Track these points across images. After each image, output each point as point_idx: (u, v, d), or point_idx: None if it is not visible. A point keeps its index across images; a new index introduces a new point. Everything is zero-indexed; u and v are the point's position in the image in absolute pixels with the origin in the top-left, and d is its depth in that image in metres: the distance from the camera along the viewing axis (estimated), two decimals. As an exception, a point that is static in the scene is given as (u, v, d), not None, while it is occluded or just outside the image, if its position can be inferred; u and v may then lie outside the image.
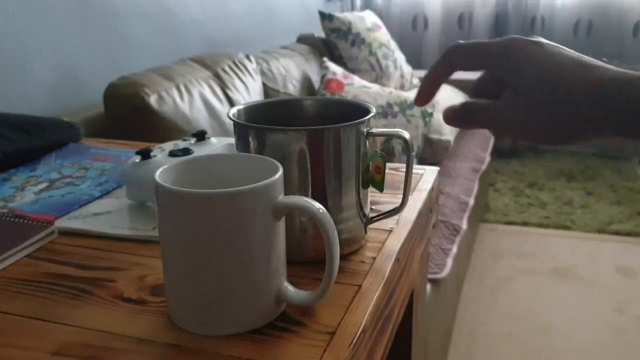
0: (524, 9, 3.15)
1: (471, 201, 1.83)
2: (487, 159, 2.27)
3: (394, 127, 1.11)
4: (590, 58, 0.41)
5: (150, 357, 0.40)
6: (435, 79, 0.46)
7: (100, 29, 1.47)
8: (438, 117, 2.05)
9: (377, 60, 2.45)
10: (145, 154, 0.63)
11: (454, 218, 1.68)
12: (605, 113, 0.39)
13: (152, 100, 1.31)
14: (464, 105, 0.45)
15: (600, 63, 0.40)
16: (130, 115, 1.30)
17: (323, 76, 2.14)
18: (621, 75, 0.39)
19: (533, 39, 0.42)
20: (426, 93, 0.46)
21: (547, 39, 0.43)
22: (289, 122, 0.52)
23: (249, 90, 1.71)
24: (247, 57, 1.81)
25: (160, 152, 0.64)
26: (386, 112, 2.00)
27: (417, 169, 0.77)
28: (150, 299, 0.47)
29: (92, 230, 0.59)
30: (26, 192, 0.69)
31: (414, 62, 2.93)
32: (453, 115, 0.46)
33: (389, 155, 1.92)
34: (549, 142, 0.42)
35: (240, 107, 0.54)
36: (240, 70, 1.72)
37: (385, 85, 2.40)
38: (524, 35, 0.44)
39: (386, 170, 0.55)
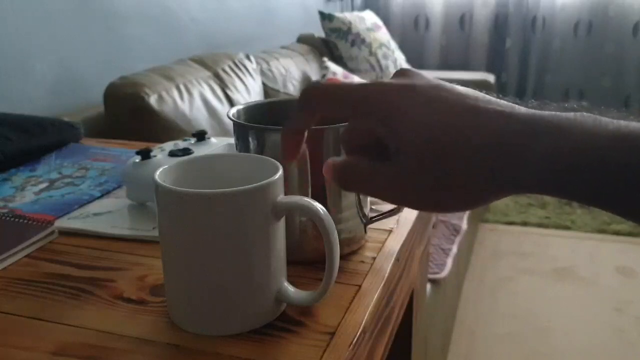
0: (525, 9, 3.15)
1: (471, 201, 1.83)
2: (487, 159, 2.27)
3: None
4: (484, 97, 0.33)
5: (150, 357, 0.40)
6: (296, 130, 0.38)
7: (100, 29, 1.47)
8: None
9: (377, 60, 2.45)
10: (145, 154, 0.62)
11: (454, 218, 1.68)
12: (511, 169, 0.31)
13: (152, 100, 1.31)
14: (343, 166, 0.37)
15: (497, 105, 0.32)
16: (130, 115, 1.30)
17: (323, 76, 2.14)
18: (527, 118, 0.31)
19: (406, 81, 0.34)
20: (290, 149, 0.39)
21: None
22: (289, 122, 0.52)
23: (249, 90, 1.71)
24: (247, 57, 1.81)
25: (160, 152, 0.64)
26: (386, 112, 2.00)
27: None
28: (150, 299, 0.47)
29: (92, 230, 0.59)
30: (26, 192, 0.69)
31: (416, 62, 2.93)
32: (333, 175, 0.37)
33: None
34: (449, 209, 0.34)
35: (240, 107, 0.54)
36: (240, 70, 1.72)
37: (385, 85, 2.40)
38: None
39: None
